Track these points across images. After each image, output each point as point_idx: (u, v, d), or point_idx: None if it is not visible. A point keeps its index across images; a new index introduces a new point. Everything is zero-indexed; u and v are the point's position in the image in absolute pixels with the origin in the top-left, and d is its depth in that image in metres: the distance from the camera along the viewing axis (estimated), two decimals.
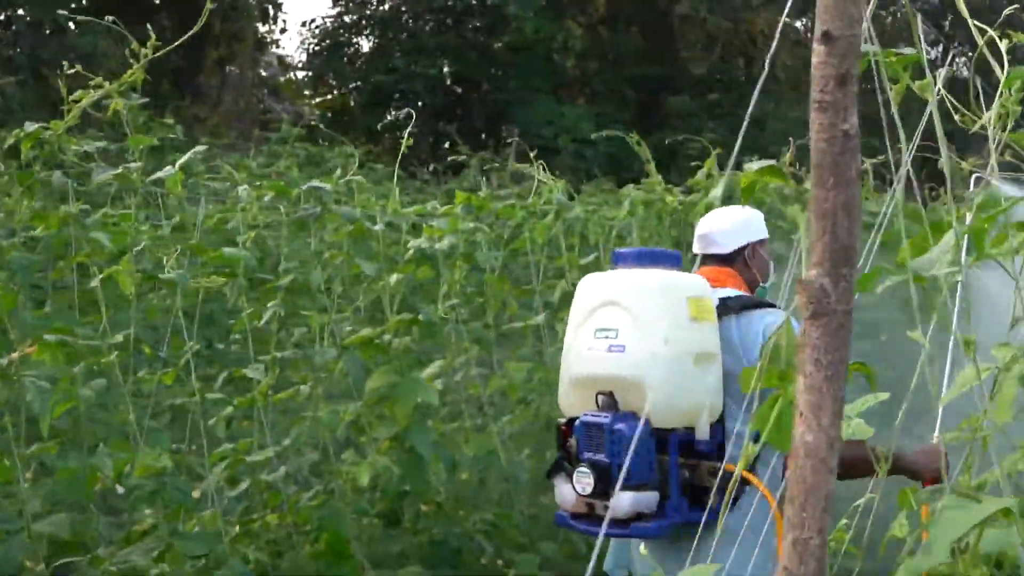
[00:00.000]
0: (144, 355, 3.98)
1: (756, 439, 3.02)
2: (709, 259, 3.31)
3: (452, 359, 5.00)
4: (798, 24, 36.19)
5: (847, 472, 3.12)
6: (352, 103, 26.51)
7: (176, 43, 4.05)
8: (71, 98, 3.68)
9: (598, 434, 2.79)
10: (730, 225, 3.34)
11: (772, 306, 3.18)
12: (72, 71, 3.85)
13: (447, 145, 27.62)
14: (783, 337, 1.58)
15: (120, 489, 3.63)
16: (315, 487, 4.28)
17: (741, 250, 3.31)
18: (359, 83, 25.53)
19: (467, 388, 5.08)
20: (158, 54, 3.70)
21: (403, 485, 4.30)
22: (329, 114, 25.56)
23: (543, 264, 5.50)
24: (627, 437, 2.75)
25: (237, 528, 3.95)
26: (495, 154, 16.34)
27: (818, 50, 1.39)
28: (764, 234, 3.40)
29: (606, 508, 2.78)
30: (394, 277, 4.64)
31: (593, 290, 3.01)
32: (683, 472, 2.88)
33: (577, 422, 2.88)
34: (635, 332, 2.84)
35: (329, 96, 26.08)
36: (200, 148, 4.21)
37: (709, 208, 3.86)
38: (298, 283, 4.20)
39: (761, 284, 3.42)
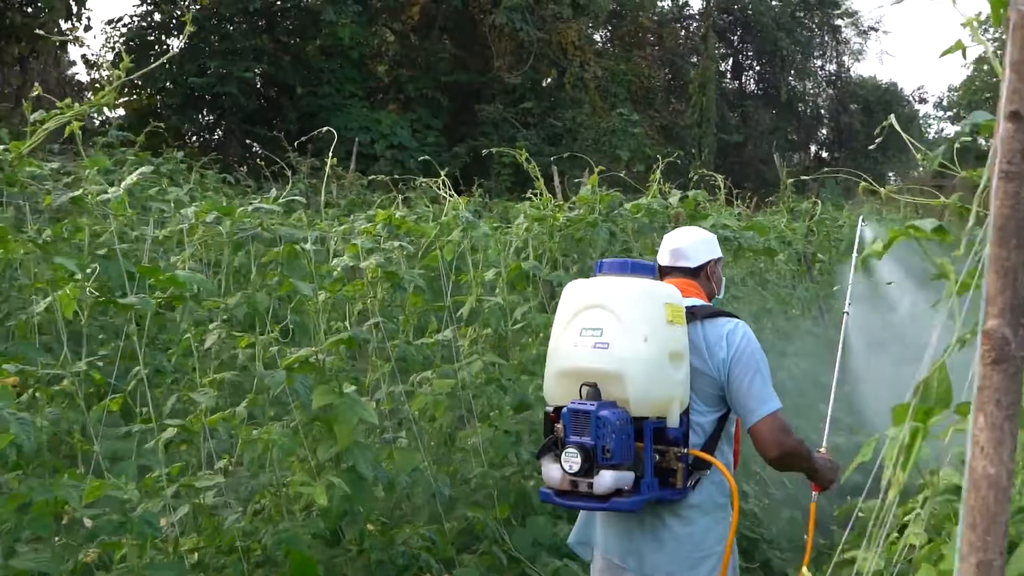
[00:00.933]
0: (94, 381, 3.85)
1: (715, 434, 3.46)
2: (676, 271, 3.81)
3: (375, 376, 5.05)
4: (597, 36, 37.35)
5: (788, 466, 3.61)
6: (160, 105, 25.66)
7: None
8: None
9: (585, 420, 3.19)
10: (700, 243, 3.85)
11: (731, 315, 3.65)
12: None
13: (256, 148, 27.18)
14: (934, 379, 1.78)
15: (87, 522, 3.52)
16: (259, 509, 4.25)
17: (704, 265, 3.83)
18: (169, 84, 24.71)
19: (385, 405, 5.12)
20: None
21: (346, 505, 4.32)
22: (136, 116, 24.66)
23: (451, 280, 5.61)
24: (611, 423, 3.16)
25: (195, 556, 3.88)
26: (319, 160, 16.19)
27: (1007, 127, 1.58)
28: (720, 253, 3.92)
29: (589, 485, 3.19)
30: (322, 296, 4.66)
31: (579, 294, 3.43)
32: (655, 455, 3.32)
33: (565, 409, 3.26)
34: (619, 332, 3.26)
35: (135, 97, 25.09)
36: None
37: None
38: (248, 303, 4.15)
39: (717, 295, 3.93)
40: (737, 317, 3.66)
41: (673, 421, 3.35)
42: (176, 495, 4.00)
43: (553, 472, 3.28)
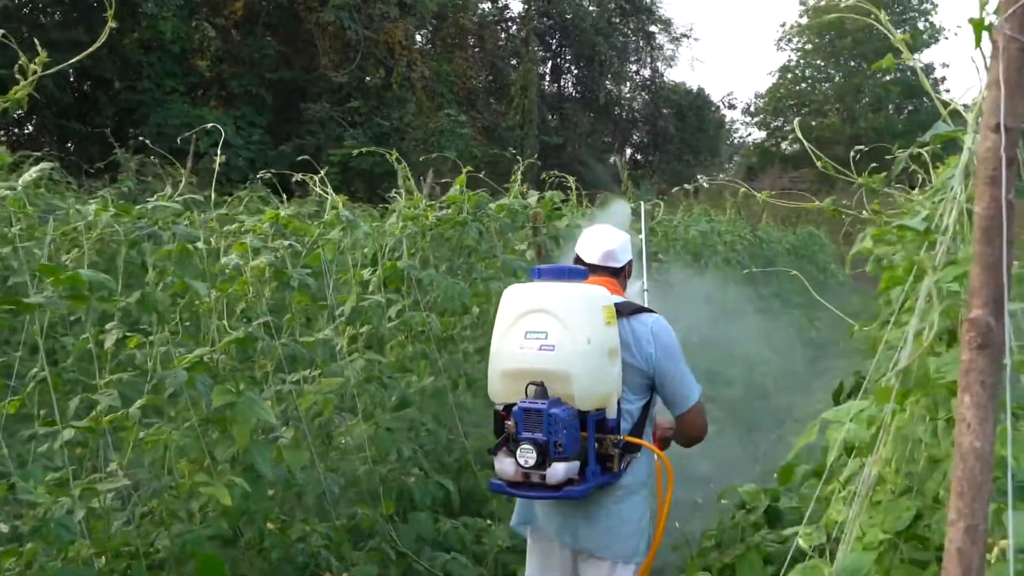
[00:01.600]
0: None
1: (641, 420, 3.70)
2: (603, 270, 4.03)
3: (260, 375, 5.02)
4: (418, 36, 37.30)
5: (698, 440, 3.93)
6: None
7: None
8: None
9: (537, 417, 3.42)
10: (625, 244, 4.13)
11: (649, 311, 3.95)
12: None
13: (69, 144, 26.10)
14: (914, 365, 1.97)
15: (3, 527, 3.42)
16: (146, 512, 4.19)
17: (626, 265, 4.12)
18: None
19: (271, 404, 5.10)
20: None
21: (245, 504, 4.31)
22: None
23: (333, 279, 5.63)
24: (562, 419, 3.42)
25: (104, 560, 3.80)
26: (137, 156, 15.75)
27: (992, 137, 1.78)
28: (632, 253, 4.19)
29: (542, 477, 3.44)
30: (214, 295, 4.62)
31: (520, 299, 3.65)
32: (596, 445, 3.58)
33: (516, 408, 3.49)
34: (563, 333, 3.50)
35: None
36: None
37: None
38: (145, 303, 4.08)
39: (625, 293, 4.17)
40: (653, 312, 3.96)
41: (611, 412, 3.63)
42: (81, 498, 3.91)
43: (507, 466, 3.51)
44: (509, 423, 3.52)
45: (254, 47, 27.88)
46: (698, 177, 49.83)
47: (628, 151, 52.41)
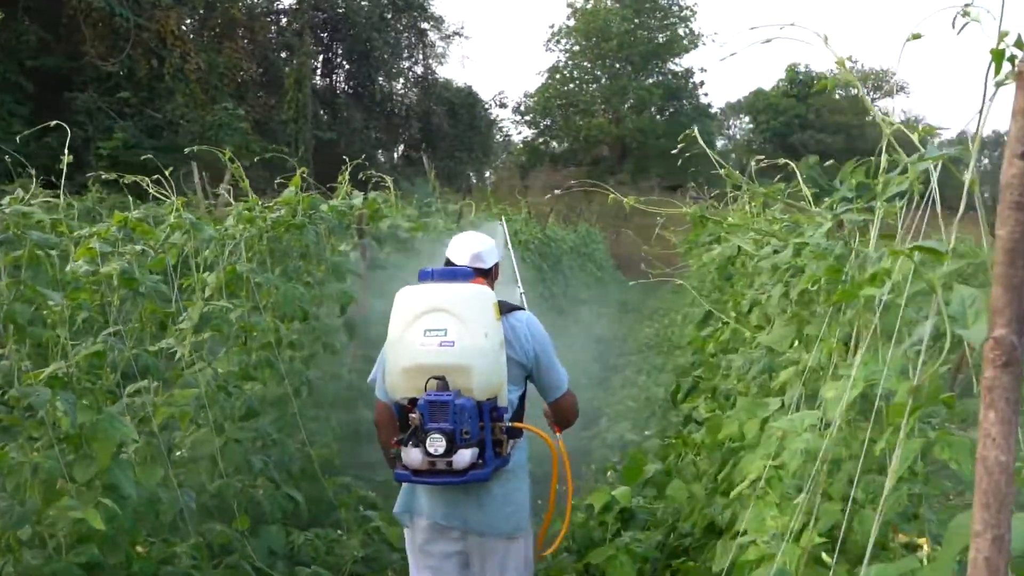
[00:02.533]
0: None
1: (520, 408, 4.16)
2: (472, 272, 4.20)
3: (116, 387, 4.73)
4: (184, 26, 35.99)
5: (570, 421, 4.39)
6: None
7: None
8: None
9: (443, 408, 3.70)
10: (492, 248, 4.42)
11: (521, 308, 4.36)
12: None
13: None
14: (927, 381, 2.05)
15: None
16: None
17: (494, 266, 4.42)
18: None
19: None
20: None
21: (111, 527, 4.05)
22: None
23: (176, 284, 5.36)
24: (468, 408, 3.73)
25: None
26: None
27: (1017, 164, 1.88)
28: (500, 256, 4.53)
29: (448, 463, 3.72)
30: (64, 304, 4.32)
31: (416, 300, 3.88)
32: (490, 431, 3.87)
33: (422, 401, 3.74)
34: (462, 330, 3.78)
35: None
36: None
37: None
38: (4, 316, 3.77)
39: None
40: (525, 309, 4.38)
41: (503, 401, 3.93)
42: None
43: (414, 455, 3.74)
44: (414, 415, 3.74)
45: (12, 33, 26.17)
46: (468, 174, 50.44)
47: (400, 147, 52.35)
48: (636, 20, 59.68)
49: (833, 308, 3.27)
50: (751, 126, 71.20)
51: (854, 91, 2.71)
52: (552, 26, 72.78)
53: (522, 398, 4.20)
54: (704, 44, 62.33)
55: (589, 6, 61.27)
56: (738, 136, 78.01)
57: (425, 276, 3.96)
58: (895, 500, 2.60)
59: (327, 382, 7.18)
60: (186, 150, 7.04)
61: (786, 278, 3.94)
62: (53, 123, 5.03)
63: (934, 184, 2.36)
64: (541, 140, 62.79)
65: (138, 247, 4.76)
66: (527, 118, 63.04)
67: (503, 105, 70.47)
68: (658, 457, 6.48)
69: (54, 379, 4.10)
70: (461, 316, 3.79)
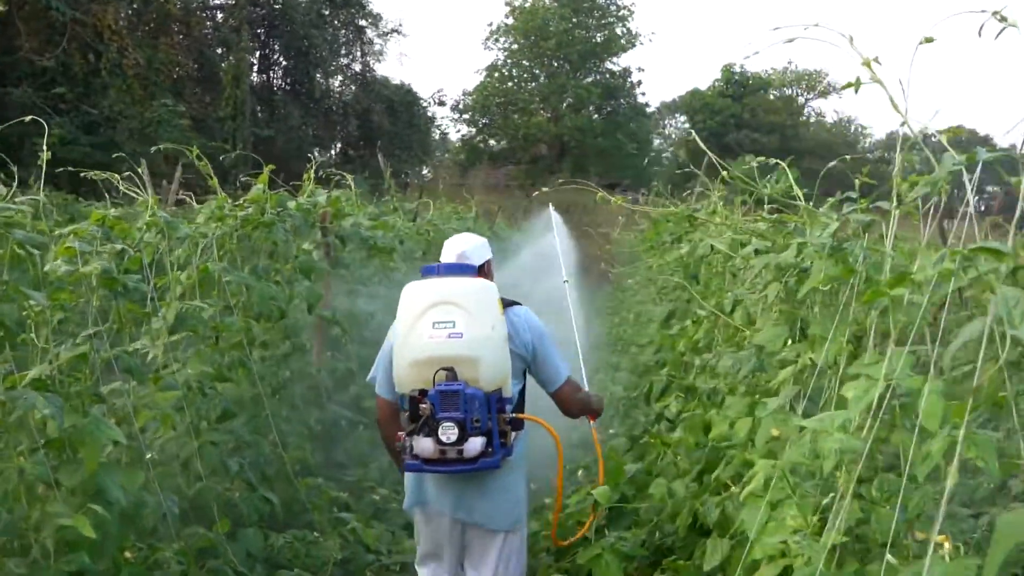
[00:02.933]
0: None
1: (521, 401, 4.26)
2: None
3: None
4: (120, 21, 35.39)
5: (580, 412, 4.56)
6: None
7: None
8: None
9: (454, 398, 3.82)
10: (479, 246, 4.53)
11: (518, 303, 4.36)
12: None
13: None
14: (985, 383, 2.07)
15: None
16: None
17: (483, 264, 4.49)
18: None
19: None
20: None
21: (100, 533, 3.95)
22: None
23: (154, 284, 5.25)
24: (478, 398, 3.86)
25: None
26: None
27: None
28: (491, 254, 4.61)
29: (459, 452, 3.84)
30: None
31: (424, 294, 4.00)
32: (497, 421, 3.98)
33: (432, 391, 3.86)
34: (470, 322, 3.91)
35: None
36: None
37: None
38: None
39: None
40: (521, 304, 4.39)
41: (508, 392, 4.03)
42: None
43: (425, 444, 3.84)
44: (424, 406, 3.85)
45: None
46: (404, 172, 50.22)
47: (338, 145, 52.02)
48: (574, 19, 59.97)
49: (841, 307, 3.28)
50: (687, 125, 71.76)
51: (879, 90, 2.71)
52: (491, 24, 72.89)
53: (522, 392, 4.28)
54: (642, 44, 62.86)
55: (527, 5, 61.35)
56: (674, 136, 78.69)
57: (430, 271, 4.09)
58: (920, 499, 2.62)
59: (296, 381, 7.11)
60: (153, 149, 6.85)
61: (785, 278, 3.94)
62: None
63: (970, 189, 2.37)
64: (480, 138, 62.76)
65: (117, 246, 4.64)
66: (466, 116, 63.01)
67: (442, 103, 70.42)
68: (635, 456, 6.49)
69: (38, 382, 4.00)
70: (468, 308, 3.92)
